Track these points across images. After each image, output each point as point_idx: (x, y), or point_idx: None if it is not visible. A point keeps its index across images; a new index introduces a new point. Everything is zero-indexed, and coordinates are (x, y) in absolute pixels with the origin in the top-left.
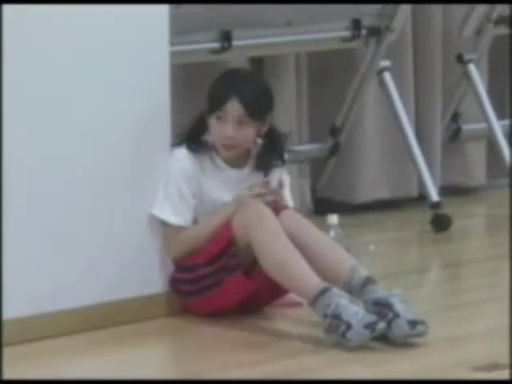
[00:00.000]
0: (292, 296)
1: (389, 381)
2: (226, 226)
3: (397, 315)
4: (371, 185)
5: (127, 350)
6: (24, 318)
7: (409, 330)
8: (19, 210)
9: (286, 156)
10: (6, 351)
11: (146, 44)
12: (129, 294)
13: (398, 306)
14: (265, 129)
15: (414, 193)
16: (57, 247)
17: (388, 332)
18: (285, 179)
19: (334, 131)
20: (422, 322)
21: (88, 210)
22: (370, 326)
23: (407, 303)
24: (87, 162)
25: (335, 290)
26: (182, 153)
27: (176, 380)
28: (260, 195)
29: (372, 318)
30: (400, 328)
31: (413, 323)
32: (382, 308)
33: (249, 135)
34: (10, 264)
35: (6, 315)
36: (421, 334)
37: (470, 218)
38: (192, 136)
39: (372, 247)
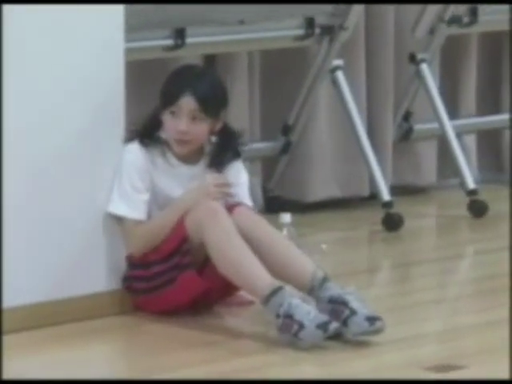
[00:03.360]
0: (244, 294)
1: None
2: (180, 223)
3: (354, 312)
4: (323, 184)
5: (76, 348)
6: None
7: (367, 327)
8: None
9: (241, 153)
10: None
11: (102, 39)
12: (78, 292)
13: (354, 303)
14: (218, 126)
15: (366, 192)
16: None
17: (344, 329)
18: (243, 177)
19: (286, 130)
20: (380, 319)
21: (33, 204)
22: (323, 326)
23: (362, 301)
24: (39, 154)
25: (287, 290)
26: (134, 147)
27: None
28: (226, 185)
29: (324, 317)
30: (358, 325)
31: (371, 319)
32: (337, 305)
33: (202, 131)
34: None
35: None
36: (379, 331)
37: (421, 218)
38: (145, 132)
39: (324, 246)
